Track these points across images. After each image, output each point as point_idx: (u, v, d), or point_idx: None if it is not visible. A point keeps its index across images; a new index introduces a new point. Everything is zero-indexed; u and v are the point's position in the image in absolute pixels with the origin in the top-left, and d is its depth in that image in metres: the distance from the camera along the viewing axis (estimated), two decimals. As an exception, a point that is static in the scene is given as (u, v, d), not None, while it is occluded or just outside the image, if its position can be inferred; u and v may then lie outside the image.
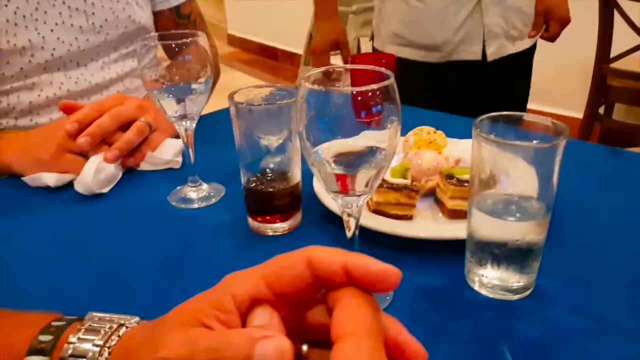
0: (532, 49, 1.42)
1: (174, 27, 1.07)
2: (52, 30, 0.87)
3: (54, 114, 0.90)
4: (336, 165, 0.44)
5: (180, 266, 0.58)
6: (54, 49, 0.87)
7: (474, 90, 1.39)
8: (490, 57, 1.31)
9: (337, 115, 0.42)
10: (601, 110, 2.34)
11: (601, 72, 2.16)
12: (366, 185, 0.44)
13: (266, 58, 4.63)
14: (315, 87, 0.41)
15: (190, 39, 0.65)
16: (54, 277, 0.57)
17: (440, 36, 1.29)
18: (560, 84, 2.73)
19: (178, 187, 0.74)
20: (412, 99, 1.04)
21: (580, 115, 2.35)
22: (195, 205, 0.70)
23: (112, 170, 0.75)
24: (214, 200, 0.71)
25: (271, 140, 0.59)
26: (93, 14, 0.91)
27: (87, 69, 0.92)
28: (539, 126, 0.48)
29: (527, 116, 0.49)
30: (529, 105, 2.91)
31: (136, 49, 0.65)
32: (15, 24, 0.83)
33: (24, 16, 0.84)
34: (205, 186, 0.73)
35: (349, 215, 0.47)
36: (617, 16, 2.05)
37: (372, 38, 1.49)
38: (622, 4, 2.02)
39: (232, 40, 5.08)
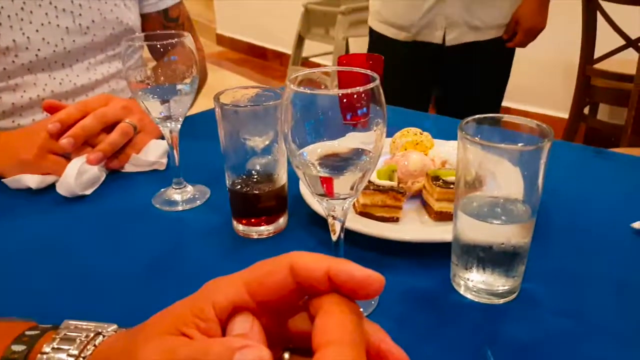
0: (499, 41, 1.54)
1: (162, 30, 1.06)
2: (37, 31, 0.85)
3: (37, 115, 0.88)
4: (321, 167, 0.43)
5: (163, 270, 0.57)
6: (38, 49, 0.86)
7: (436, 70, 1.57)
8: (448, 42, 1.49)
9: (323, 117, 0.41)
10: (586, 110, 2.37)
11: (585, 73, 2.18)
12: (351, 188, 0.44)
13: (255, 58, 4.61)
14: (301, 89, 0.40)
15: (176, 39, 0.64)
16: (32, 282, 0.56)
17: (408, 19, 1.50)
18: (545, 84, 2.75)
19: (162, 189, 0.73)
20: (391, 73, 1.26)
21: (565, 116, 2.37)
22: (180, 208, 0.69)
23: (95, 172, 0.74)
24: (198, 203, 0.70)
25: (257, 142, 0.59)
26: (80, 15, 0.89)
27: (72, 70, 0.91)
28: (524, 128, 0.48)
29: (512, 118, 0.48)
30: (515, 106, 2.94)
31: (126, 38, 0.64)
32: (0, 24, 0.82)
33: (8, 16, 0.82)
34: (190, 188, 0.72)
35: (334, 218, 0.46)
36: (600, 18, 2.07)
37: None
38: (604, 6, 2.05)
39: (221, 40, 5.05)
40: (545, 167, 0.45)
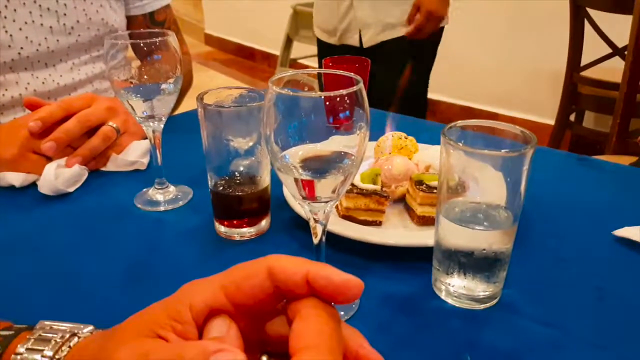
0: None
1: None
2: (20, 29, 0.84)
3: (19, 114, 0.87)
4: (303, 170, 0.43)
5: (143, 272, 0.56)
6: (21, 48, 0.85)
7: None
8: (365, 44, 1.58)
9: (306, 119, 0.41)
10: (572, 117, 2.39)
11: (572, 80, 2.20)
12: (333, 192, 0.43)
13: (243, 58, 4.60)
14: (284, 90, 0.40)
15: (159, 38, 0.63)
16: (10, 280, 0.54)
17: (331, 23, 1.63)
18: (532, 91, 2.78)
19: (144, 189, 0.72)
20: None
21: (551, 122, 2.40)
22: (162, 208, 0.68)
23: (77, 170, 0.72)
24: (181, 203, 0.69)
25: (240, 143, 0.58)
26: (65, 14, 0.88)
27: (55, 70, 0.89)
28: (507, 134, 0.48)
29: (495, 124, 0.49)
30: (502, 112, 2.97)
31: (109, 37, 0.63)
32: None
33: None
34: (172, 188, 0.71)
35: (316, 221, 0.46)
36: (587, 26, 2.10)
37: None
38: (592, 14, 2.07)
39: (209, 40, 5.03)
40: (528, 173, 0.45)
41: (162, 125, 0.67)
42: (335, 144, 0.42)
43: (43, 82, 0.88)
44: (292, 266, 0.28)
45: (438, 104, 3.19)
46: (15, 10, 0.83)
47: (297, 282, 0.28)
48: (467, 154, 0.45)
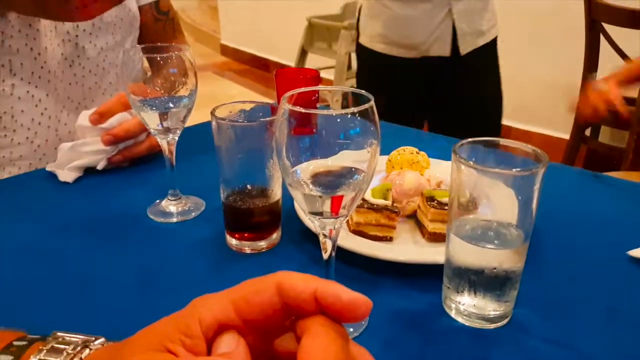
0: (496, 38, 1.63)
1: (153, 22, 1.07)
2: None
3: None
4: (314, 186, 0.43)
5: (155, 283, 0.57)
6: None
7: (444, 82, 1.62)
8: (463, 51, 1.56)
9: (317, 135, 0.41)
10: (588, 132, 2.37)
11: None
12: (343, 208, 0.43)
13: (258, 69, 4.64)
14: (296, 108, 0.40)
15: (175, 52, 0.64)
16: (23, 288, 0.55)
17: (417, 38, 1.55)
18: (547, 105, 2.76)
19: (157, 201, 0.72)
20: (392, 89, 1.58)
21: (566, 137, 2.37)
22: (175, 220, 0.69)
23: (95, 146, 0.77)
24: (193, 215, 0.70)
25: (252, 157, 0.59)
26: None
27: (84, 52, 0.92)
28: (519, 152, 0.48)
29: (507, 142, 0.48)
30: (517, 125, 2.94)
31: (124, 49, 0.65)
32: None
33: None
34: (185, 200, 0.72)
35: (325, 236, 0.46)
36: (603, 40, 2.09)
37: (357, 32, 1.69)
38: (607, 29, 2.06)
39: (225, 50, 5.09)
40: (539, 192, 0.45)
41: (176, 138, 0.68)
42: (345, 159, 0.43)
43: (70, 65, 0.90)
44: (300, 283, 0.28)
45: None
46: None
47: (306, 299, 0.28)
48: (478, 171, 0.45)
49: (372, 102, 0.41)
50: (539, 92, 2.76)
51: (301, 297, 0.28)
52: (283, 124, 0.41)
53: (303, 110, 0.40)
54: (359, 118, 0.41)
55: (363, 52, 1.67)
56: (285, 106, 0.41)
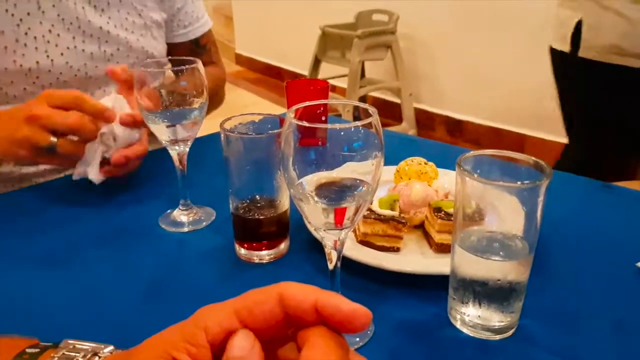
0: None
1: (189, 55, 1.09)
2: (62, 54, 0.86)
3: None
4: (319, 198, 0.44)
5: (164, 291, 0.58)
6: (60, 73, 0.87)
7: None
8: None
9: (322, 148, 0.42)
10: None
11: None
12: (348, 219, 0.44)
13: (271, 77, 4.68)
14: (301, 122, 0.41)
15: (187, 66, 0.66)
16: (35, 298, 0.57)
17: None
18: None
19: (169, 210, 0.74)
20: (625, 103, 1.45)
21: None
22: (186, 229, 0.70)
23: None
24: (204, 224, 0.71)
25: (260, 168, 0.60)
26: (106, 41, 0.91)
27: (93, 96, 0.92)
28: (523, 162, 0.48)
29: (511, 154, 0.49)
30: (530, 133, 2.90)
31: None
32: (25, 45, 0.82)
33: (35, 37, 0.83)
34: (196, 209, 0.73)
35: (330, 247, 0.47)
36: None
37: (573, 47, 1.54)
38: None
39: (240, 60, 5.14)
40: (543, 204, 0.45)
41: (187, 149, 0.69)
42: (350, 172, 0.43)
43: None
44: (301, 294, 0.29)
45: (465, 124, 3.18)
46: (59, 35, 0.85)
47: (307, 310, 0.29)
48: (482, 184, 0.45)
49: (376, 115, 0.42)
50: (554, 101, 2.73)
51: (302, 307, 0.29)
52: (289, 137, 0.42)
53: (307, 125, 0.41)
54: (362, 131, 0.41)
55: (589, 67, 1.52)
56: (291, 120, 0.42)
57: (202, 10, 1.10)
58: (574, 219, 0.72)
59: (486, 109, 3.05)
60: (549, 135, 2.81)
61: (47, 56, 0.85)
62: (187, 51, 1.08)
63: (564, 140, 2.78)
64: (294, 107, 0.44)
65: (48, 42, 0.85)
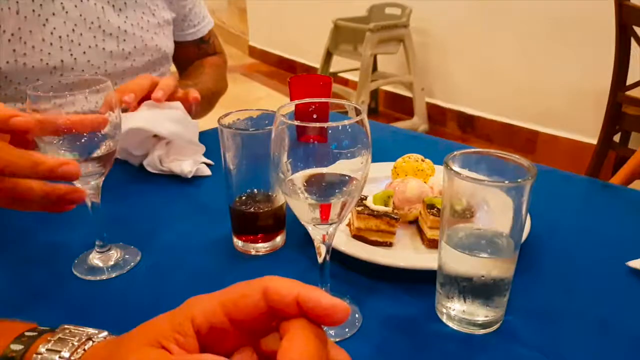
0: None
1: (196, 51, 1.15)
2: (84, 53, 0.90)
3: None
4: (308, 194, 0.45)
5: (164, 279, 0.60)
6: (82, 70, 0.91)
7: None
8: None
9: (312, 146, 0.43)
10: (617, 138, 2.32)
11: (616, 100, 2.14)
12: (335, 214, 0.46)
13: (284, 70, 4.69)
14: (291, 121, 0.43)
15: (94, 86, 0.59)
16: (33, 284, 0.59)
17: None
18: (575, 109, 2.71)
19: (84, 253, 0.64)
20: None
21: (595, 142, 2.33)
22: (105, 277, 0.60)
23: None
24: (127, 269, 0.61)
25: (257, 163, 0.61)
26: (124, 40, 0.95)
27: None
28: (511, 161, 0.49)
29: (497, 153, 0.49)
30: (542, 129, 2.88)
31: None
32: (51, 44, 0.86)
33: (59, 37, 0.87)
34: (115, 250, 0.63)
35: (319, 241, 0.48)
36: (634, 44, 2.04)
37: None
38: (639, 32, 2.01)
39: (253, 52, 5.15)
40: (528, 203, 0.46)
41: (100, 183, 0.59)
42: (339, 169, 0.45)
43: (96, 104, 0.94)
44: (284, 288, 0.31)
45: (477, 120, 3.16)
46: (81, 34, 0.89)
47: (289, 303, 0.30)
48: (468, 182, 0.46)
49: (365, 114, 0.43)
50: (566, 96, 2.72)
51: (285, 301, 0.30)
52: (279, 136, 0.44)
53: (297, 123, 0.42)
54: (349, 130, 0.43)
55: None
56: (280, 118, 0.43)
57: (205, 8, 1.17)
58: (570, 217, 0.72)
59: (498, 105, 3.03)
60: (560, 132, 2.79)
61: (71, 55, 0.89)
62: (195, 47, 1.13)
63: (576, 137, 2.76)
64: (284, 105, 0.45)
65: (72, 41, 0.89)
